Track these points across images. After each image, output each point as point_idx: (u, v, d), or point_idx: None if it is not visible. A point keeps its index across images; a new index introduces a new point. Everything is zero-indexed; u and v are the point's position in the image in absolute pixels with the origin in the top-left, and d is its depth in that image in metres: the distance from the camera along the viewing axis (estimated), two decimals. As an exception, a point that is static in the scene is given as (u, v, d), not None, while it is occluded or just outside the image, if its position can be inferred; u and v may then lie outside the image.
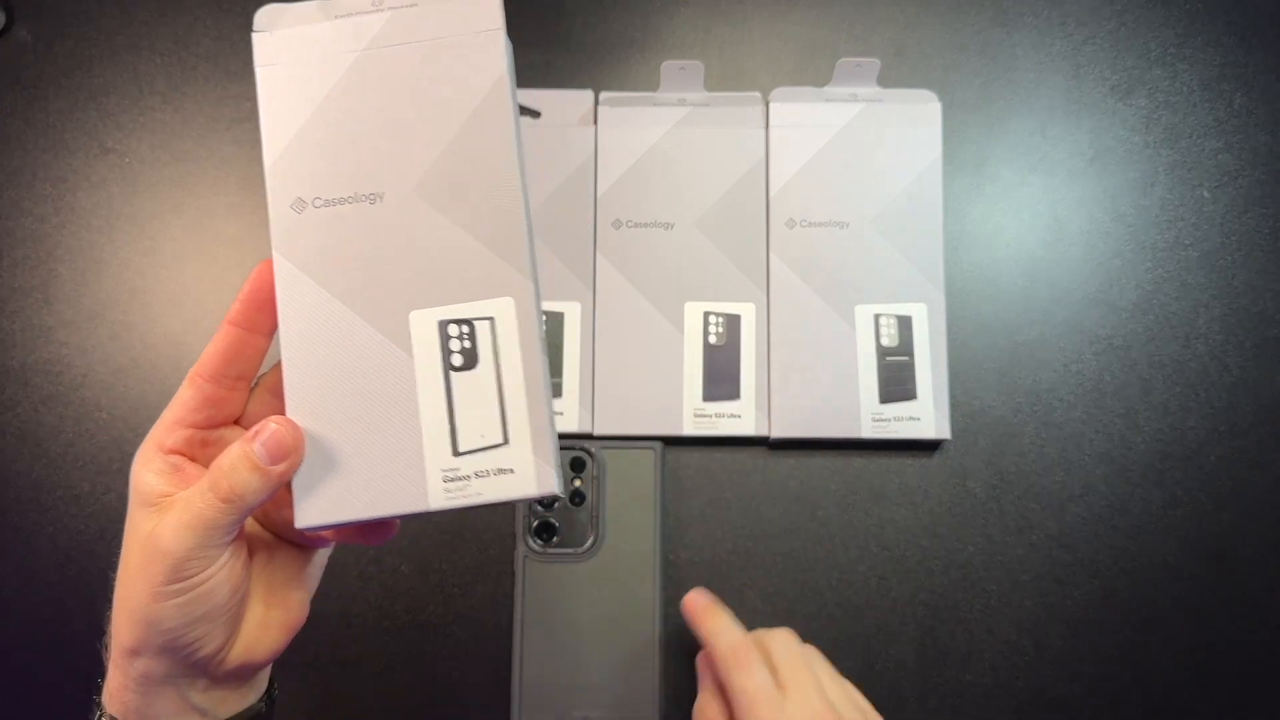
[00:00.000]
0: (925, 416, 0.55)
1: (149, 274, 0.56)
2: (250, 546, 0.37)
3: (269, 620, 0.38)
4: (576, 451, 0.54)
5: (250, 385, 0.37)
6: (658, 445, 0.54)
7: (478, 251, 0.36)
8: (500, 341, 0.35)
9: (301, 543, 0.39)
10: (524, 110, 0.58)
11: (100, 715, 0.37)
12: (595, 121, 0.57)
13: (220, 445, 0.36)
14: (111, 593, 0.36)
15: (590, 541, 0.53)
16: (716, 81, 0.59)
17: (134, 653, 0.35)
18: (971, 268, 0.57)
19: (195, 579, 0.34)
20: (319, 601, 0.55)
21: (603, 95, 0.57)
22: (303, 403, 0.35)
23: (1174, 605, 0.55)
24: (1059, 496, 0.56)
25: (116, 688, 0.36)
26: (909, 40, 0.59)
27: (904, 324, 0.55)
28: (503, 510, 0.55)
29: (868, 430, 0.54)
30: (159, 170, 0.57)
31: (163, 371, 0.56)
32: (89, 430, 0.55)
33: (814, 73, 0.59)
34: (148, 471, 0.35)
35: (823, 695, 0.44)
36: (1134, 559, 0.55)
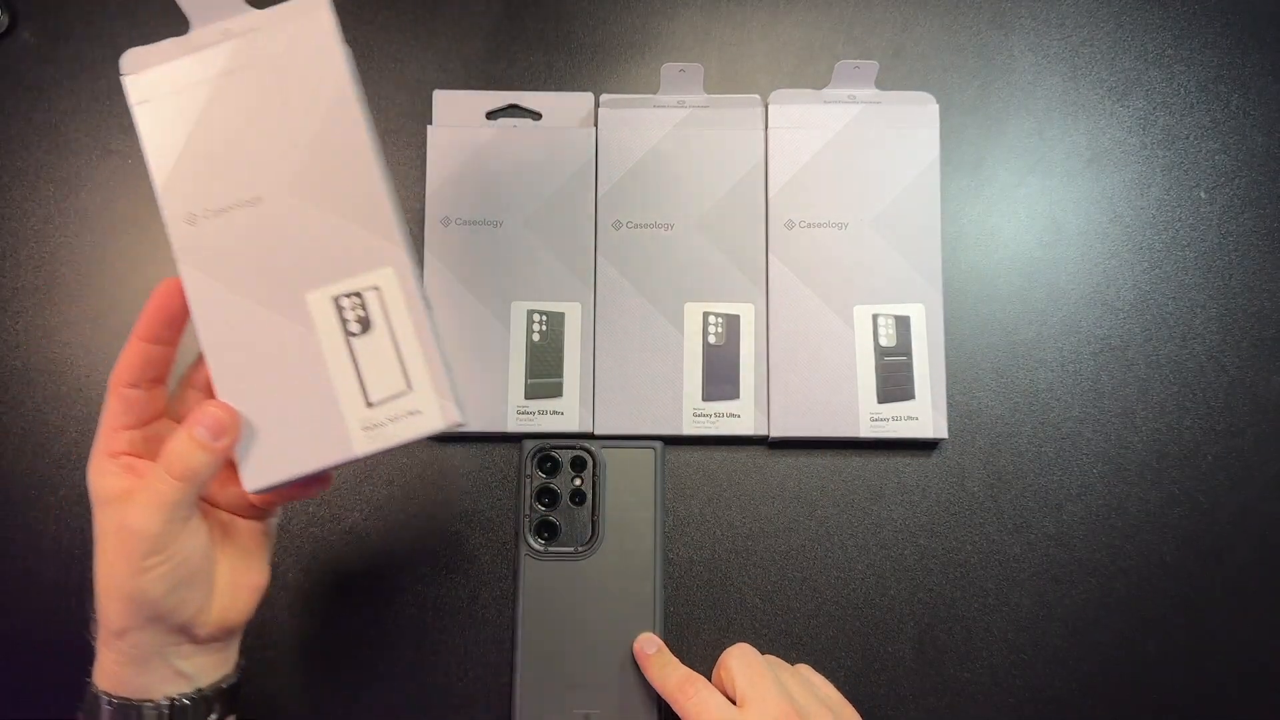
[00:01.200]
0: (923, 416, 0.55)
1: (152, 275, 0.57)
2: (210, 525, 0.42)
3: (237, 584, 0.43)
4: (576, 451, 0.54)
5: (166, 385, 0.43)
6: (658, 445, 0.54)
7: (353, 231, 0.41)
8: (388, 304, 0.41)
9: (251, 516, 0.44)
10: (525, 112, 0.58)
11: (91, 692, 0.41)
12: (595, 123, 0.57)
13: (159, 439, 0.41)
14: (93, 586, 0.40)
15: (590, 541, 0.53)
16: (716, 83, 0.59)
17: (122, 631, 0.39)
18: (969, 268, 0.58)
19: (169, 551, 0.39)
20: (319, 601, 0.56)
21: (603, 97, 0.58)
22: (229, 386, 0.40)
23: (1171, 604, 0.55)
24: (1056, 496, 0.56)
25: (109, 665, 0.40)
26: (907, 42, 0.60)
27: (902, 324, 0.55)
28: (503, 510, 0.55)
29: (866, 430, 0.55)
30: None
31: (165, 372, 0.56)
32: (92, 430, 0.55)
33: (812, 75, 0.59)
34: (102, 476, 0.40)
35: (784, 697, 0.46)
36: (1131, 558, 0.56)
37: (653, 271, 0.56)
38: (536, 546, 0.53)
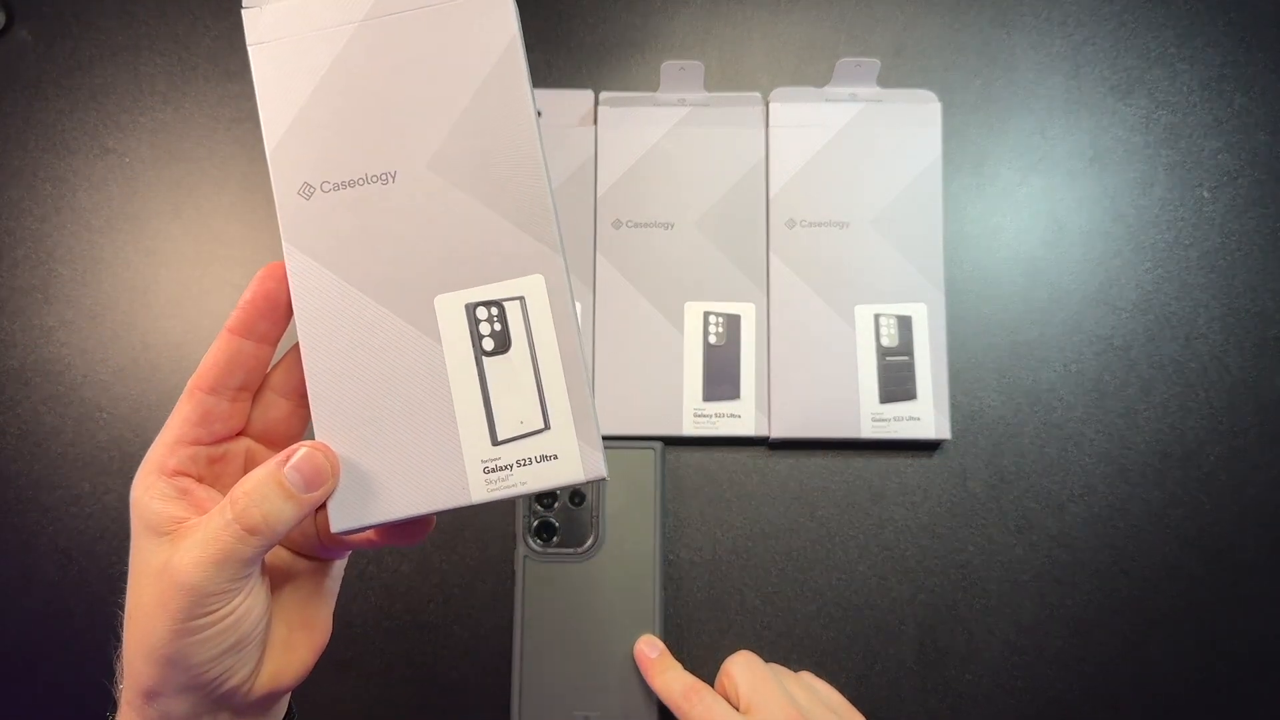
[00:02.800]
0: (925, 416, 0.55)
1: (149, 274, 0.56)
2: (268, 568, 0.35)
3: (293, 642, 0.36)
4: (576, 451, 0.54)
5: (252, 396, 0.35)
6: (658, 445, 0.54)
7: (502, 227, 0.34)
8: (533, 321, 0.34)
9: (321, 556, 0.37)
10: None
11: None
12: (595, 122, 0.57)
13: (227, 462, 0.34)
14: (119, 630, 0.33)
15: (590, 541, 0.53)
16: (716, 82, 0.59)
17: (153, 694, 0.32)
18: (971, 268, 0.57)
19: (220, 612, 0.31)
20: (319, 601, 0.55)
21: (603, 95, 0.57)
22: (329, 403, 0.33)
23: (1174, 605, 0.55)
24: (1059, 496, 0.56)
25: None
26: (908, 40, 0.59)
27: (904, 324, 0.55)
28: (502, 510, 0.55)
29: (868, 430, 0.54)
30: (159, 170, 0.57)
31: (163, 372, 0.56)
32: (89, 430, 0.55)
33: (814, 73, 0.59)
34: (152, 497, 0.32)
35: (788, 702, 0.46)
36: (1134, 559, 0.55)
37: (653, 271, 0.56)
38: (536, 547, 0.53)
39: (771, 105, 0.57)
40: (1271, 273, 0.58)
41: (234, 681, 0.33)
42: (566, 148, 0.57)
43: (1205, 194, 0.59)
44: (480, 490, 0.34)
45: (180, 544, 0.31)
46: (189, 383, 0.33)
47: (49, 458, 0.55)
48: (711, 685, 0.49)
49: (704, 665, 0.53)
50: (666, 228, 0.56)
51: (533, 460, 0.34)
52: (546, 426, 0.33)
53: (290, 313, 0.34)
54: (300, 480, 0.31)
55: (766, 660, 0.50)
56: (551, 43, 0.59)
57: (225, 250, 0.57)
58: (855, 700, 0.50)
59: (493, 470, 0.34)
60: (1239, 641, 0.55)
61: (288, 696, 0.37)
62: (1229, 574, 0.55)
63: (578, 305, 0.55)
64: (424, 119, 0.34)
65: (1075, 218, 0.58)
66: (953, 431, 0.56)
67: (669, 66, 0.56)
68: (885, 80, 0.58)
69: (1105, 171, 0.59)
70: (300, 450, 0.32)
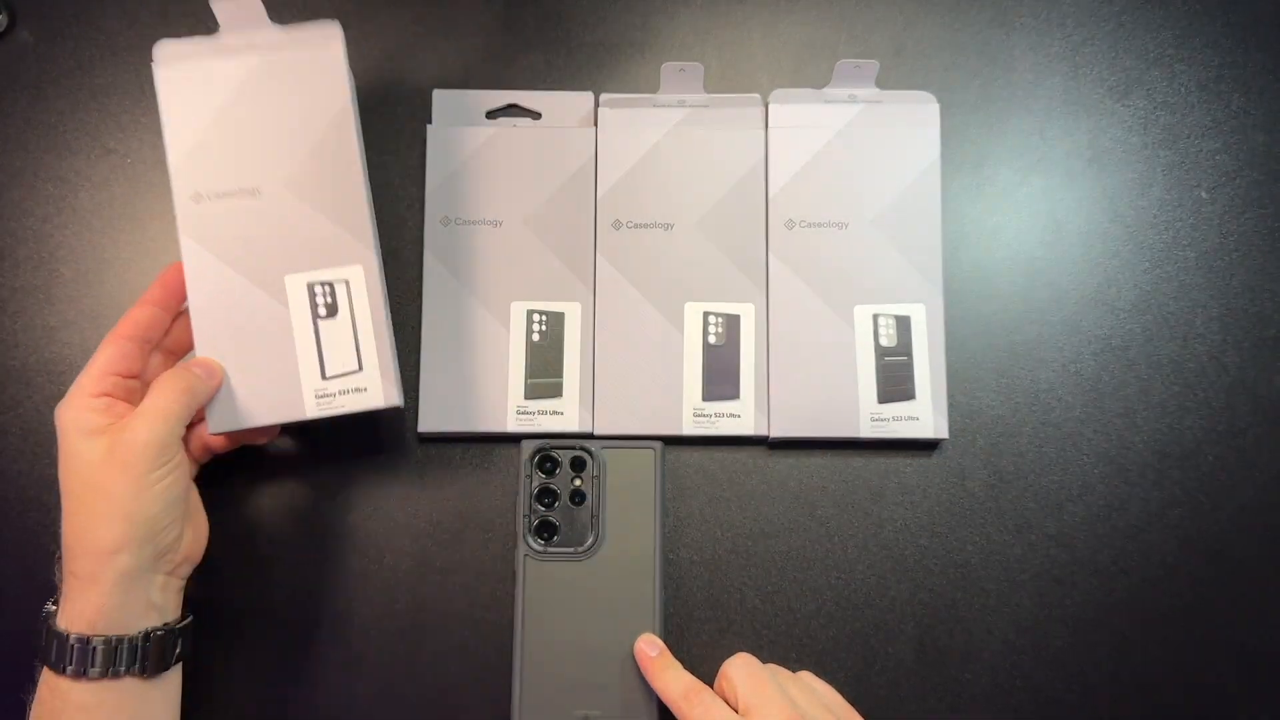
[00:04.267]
0: (924, 416, 0.55)
1: (151, 274, 0.56)
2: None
3: (197, 521, 0.49)
4: (576, 451, 0.54)
5: (152, 350, 0.48)
6: (658, 445, 0.54)
7: (334, 231, 0.49)
8: (355, 297, 0.49)
9: (195, 458, 0.50)
10: (524, 112, 0.58)
11: (65, 639, 0.43)
12: (595, 123, 0.57)
13: (136, 394, 0.47)
14: (57, 532, 0.44)
15: (590, 541, 0.53)
16: (716, 83, 0.59)
17: (115, 551, 0.43)
18: (970, 268, 0.58)
19: (170, 464, 0.45)
20: (320, 600, 0.56)
21: (603, 97, 0.57)
22: (209, 343, 0.48)
23: (1172, 604, 0.55)
24: (1057, 496, 0.56)
25: (89, 604, 0.43)
26: (908, 41, 0.60)
27: (902, 324, 0.55)
28: (503, 510, 0.55)
29: (866, 430, 0.55)
30: (161, 171, 0.57)
31: (164, 371, 0.56)
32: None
33: (813, 74, 0.59)
34: (85, 411, 0.44)
35: (787, 703, 0.46)
36: (1132, 558, 0.56)
37: (653, 271, 0.56)
38: (536, 547, 0.53)
39: (770, 106, 0.57)
40: (1269, 273, 0.58)
41: (174, 534, 0.46)
42: (567, 149, 0.57)
43: (1203, 194, 0.59)
44: (312, 409, 0.48)
45: (128, 426, 0.44)
46: (112, 333, 0.46)
47: (51, 458, 0.55)
48: (711, 686, 0.49)
49: (704, 665, 0.53)
50: (666, 228, 0.56)
51: (350, 390, 0.49)
52: (360, 368, 0.49)
53: (184, 296, 0.48)
54: (203, 372, 0.47)
55: (766, 659, 0.50)
56: (551, 44, 0.59)
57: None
58: (854, 699, 0.50)
59: (322, 396, 0.48)
60: (1238, 641, 0.55)
61: (183, 587, 0.49)
62: (1227, 573, 0.56)
63: (578, 306, 0.55)
64: (282, 152, 0.49)
65: (1074, 218, 0.58)
66: (951, 431, 0.56)
67: (669, 68, 0.56)
68: (884, 81, 0.58)
69: (1104, 172, 0.59)
70: (197, 358, 0.48)
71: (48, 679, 0.45)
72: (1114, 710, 0.55)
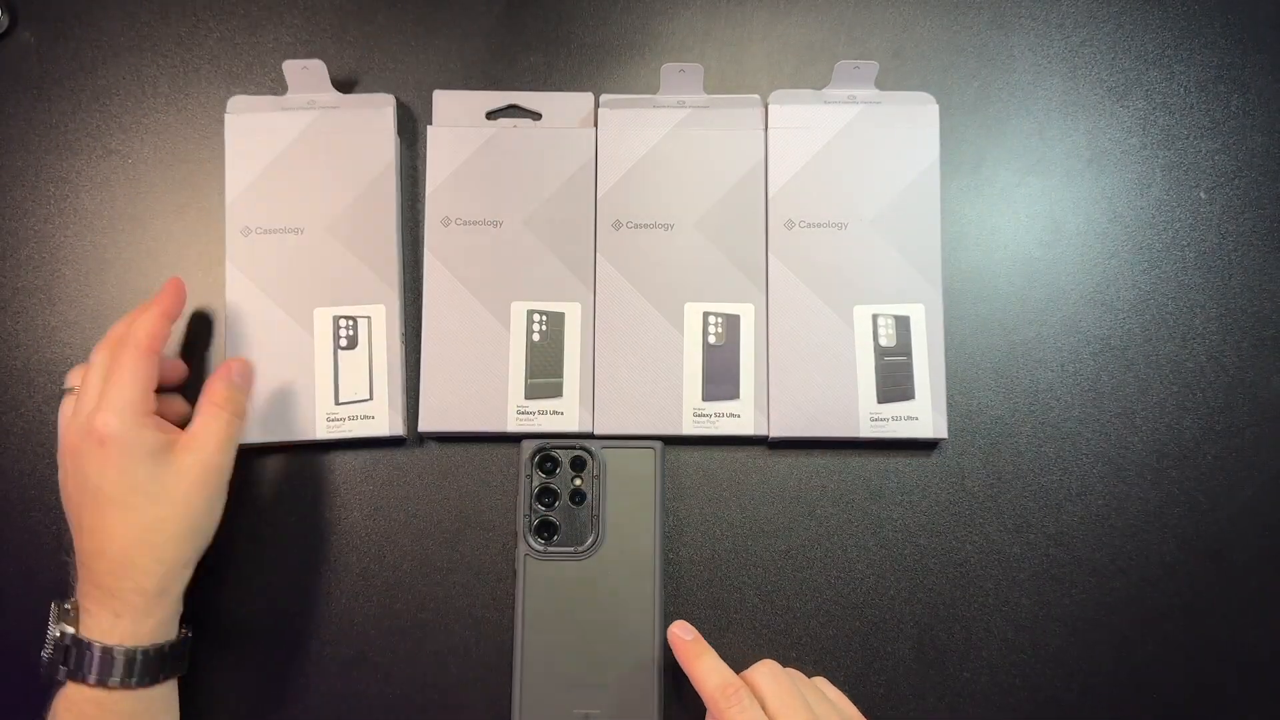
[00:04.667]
0: (923, 416, 0.55)
1: (152, 275, 0.57)
2: None
3: None
4: (576, 451, 0.54)
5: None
6: (658, 445, 0.54)
7: (364, 273, 0.55)
8: (374, 332, 0.54)
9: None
10: (525, 112, 0.58)
11: (111, 654, 0.45)
12: (595, 124, 0.57)
13: (166, 404, 0.52)
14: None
15: (590, 541, 0.53)
16: (715, 83, 0.59)
17: (185, 566, 0.47)
18: (969, 268, 0.58)
19: (229, 477, 0.49)
20: (319, 599, 0.56)
21: (603, 97, 0.58)
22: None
23: (1171, 604, 0.55)
24: (1056, 496, 0.56)
25: (148, 620, 0.46)
26: (906, 42, 0.60)
27: (902, 324, 0.55)
28: (503, 510, 0.55)
29: (865, 430, 0.55)
30: (162, 172, 0.57)
31: (165, 372, 0.56)
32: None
33: (812, 75, 0.59)
34: (146, 430, 0.46)
35: (811, 718, 0.46)
36: (1131, 558, 0.56)
37: (653, 271, 0.56)
38: (536, 546, 0.53)
39: (770, 107, 0.57)
40: (1268, 273, 0.58)
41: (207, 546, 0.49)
42: (566, 149, 0.57)
43: (1202, 195, 0.59)
44: (323, 431, 0.54)
45: (191, 447, 0.47)
46: (140, 346, 0.47)
47: (52, 458, 0.55)
48: None
49: (703, 664, 0.53)
50: (666, 229, 0.56)
51: (359, 417, 0.54)
52: (370, 398, 0.54)
53: (182, 308, 0.51)
54: (239, 378, 0.51)
55: (766, 659, 0.50)
56: (551, 45, 0.59)
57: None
58: (854, 699, 0.50)
59: (333, 420, 0.54)
60: (1236, 640, 0.55)
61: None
62: (1226, 573, 0.56)
63: (578, 306, 0.55)
64: (327, 199, 0.55)
65: (1072, 218, 0.58)
66: (950, 431, 0.56)
67: (669, 69, 0.56)
68: (883, 82, 0.58)
69: (1102, 172, 0.59)
70: (229, 363, 0.51)
71: (80, 691, 0.45)
72: (1113, 709, 0.55)
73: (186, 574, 0.48)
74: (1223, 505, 0.56)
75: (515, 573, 0.53)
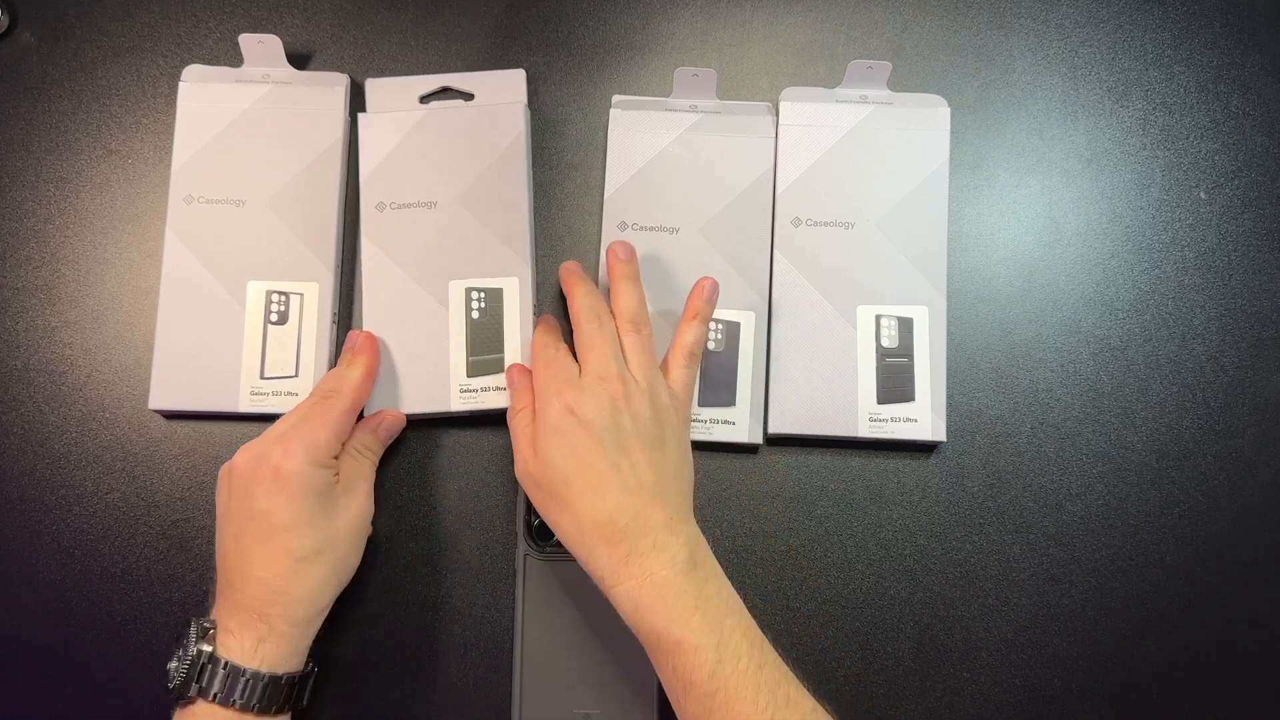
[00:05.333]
0: (922, 418, 0.55)
1: (152, 275, 0.56)
2: None
3: None
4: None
5: None
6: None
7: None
8: (305, 310, 0.54)
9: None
10: (459, 94, 0.58)
11: (257, 679, 0.45)
12: (606, 125, 0.57)
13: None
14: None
15: (591, 541, 0.53)
16: (717, 86, 0.59)
17: (331, 600, 0.49)
18: (969, 268, 0.58)
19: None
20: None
21: (615, 99, 0.57)
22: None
23: (1170, 604, 0.55)
24: (1056, 496, 0.56)
25: (288, 648, 0.47)
26: (906, 42, 0.60)
27: (905, 326, 0.55)
28: (503, 510, 0.55)
29: (864, 430, 0.55)
30: (162, 172, 0.57)
31: (165, 372, 0.56)
32: (92, 430, 0.55)
33: (812, 76, 0.59)
34: (323, 471, 0.48)
35: (618, 359, 0.49)
36: (1130, 558, 0.56)
37: (656, 275, 0.56)
38: (537, 546, 0.53)
39: (782, 104, 0.57)
40: (1268, 273, 0.58)
41: None
42: (496, 128, 0.56)
43: (1202, 195, 0.59)
44: (245, 403, 0.54)
45: (349, 489, 0.50)
46: (348, 404, 0.50)
47: (52, 457, 0.55)
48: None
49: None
50: (671, 233, 0.56)
51: (282, 394, 0.54)
52: (296, 374, 0.54)
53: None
54: (386, 435, 0.54)
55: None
56: (552, 46, 0.59)
57: (227, 251, 0.57)
58: (854, 699, 0.51)
59: (256, 394, 0.54)
60: (1236, 641, 0.55)
61: None
62: (1225, 573, 0.56)
63: (514, 281, 0.55)
64: (272, 172, 0.55)
65: (1072, 219, 0.58)
66: (949, 432, 0.56)
67: (682, 72, 0.56)
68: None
69: (1102, 172, 0.59)
70: (386, 415, 0.53)
71: (212, 711, 0.45)
72: (1111, 708, 0.55)
73: (327, 609, 0.49)
74: (1223, 505, 0.56)
75: (515, 573, 0.53)
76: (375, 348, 0.52)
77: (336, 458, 0.49)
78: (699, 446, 0.56)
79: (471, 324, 0.54)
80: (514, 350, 0.54)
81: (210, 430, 0.55)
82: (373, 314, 0.54)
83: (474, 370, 0.54)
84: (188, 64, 0.57)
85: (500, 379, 0.54)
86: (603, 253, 0.56)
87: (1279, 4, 0.60)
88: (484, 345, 0.54)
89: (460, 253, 0.55)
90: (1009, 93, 0.59)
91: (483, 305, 0.54)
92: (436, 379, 0.54)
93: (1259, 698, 0.55)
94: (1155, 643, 0.55)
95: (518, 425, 0.49)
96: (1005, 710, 0.55)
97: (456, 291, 0.54)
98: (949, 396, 0.56)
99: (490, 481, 0.56)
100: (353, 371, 0.51)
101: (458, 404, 0.54)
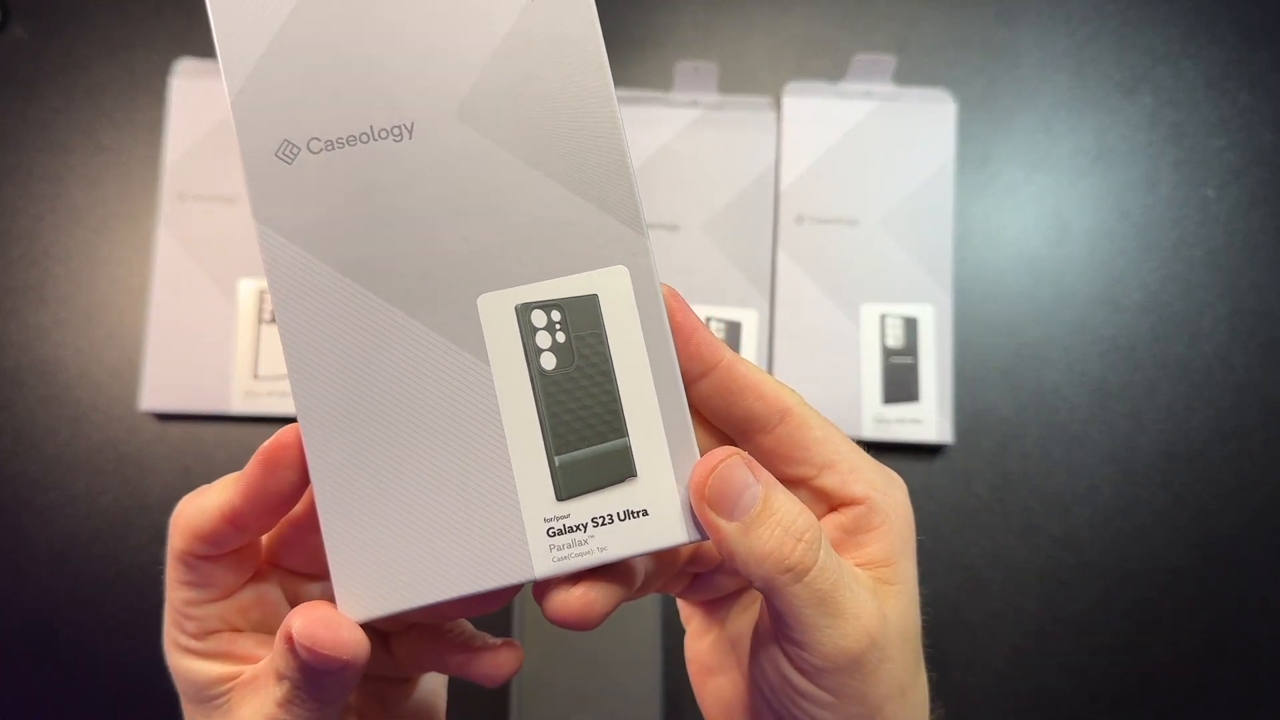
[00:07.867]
0: (928, 420, 0.54)
1: (144, 274, 0.56)
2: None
3: None
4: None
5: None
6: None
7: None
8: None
9: (396, 674, 0.30)
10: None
11: None
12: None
13: (265, 602, 0.29)
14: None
15: (591, 543, 0.52)
16: (719, 78, 0.58)
17: None
18: (975, 266, 0.57)
19: None
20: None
21: (617, 93, 0.57)
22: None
23: (1179, 607, 0.55)
24: (1063, 498, 0.55)
25: None
26: (913, 37, 0.59)
27: (910, 325, 0.55)
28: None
29: (869, 431, 0.54)
30: (154, 169, 0.57)
31: (159, 372, 0.55)
32: (84, 431, 0.55)
33: (816, 71, 0.58)
34: (189, 659, 0.28)
35: None
36: (1139, 560, 0.55)
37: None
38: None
39: (785, 100, 0.56)
40: (1277, 271, 0.57)
41: None
42: None
43: (1210, 192, 0.58)
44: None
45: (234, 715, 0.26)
46: (175, 551, 0.27)
47: (44, 458, 0.55)
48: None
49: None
50: (672, 229, 0.56)
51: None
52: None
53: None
54: (308, 656, 0.24)
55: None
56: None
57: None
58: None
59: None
60: (1245, 644, 0.55)
61: None
62: (1235, 576, 0.55)
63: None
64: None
65: (1080, 216, 0.58)
66: (956, 433, 0.55)
67: (683, 67, 0.55)
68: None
69: (1110, 170, 0.58)
70: (294, 622, 0.24)
71: None
72: (1119, 713, 0.54)
73: None
74: (1232, 507, 0.56)
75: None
76: (282, 459, 0.24)
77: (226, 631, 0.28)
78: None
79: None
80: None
81: (203, 431, 0.55)
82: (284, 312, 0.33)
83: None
84: (180, 59, 0.57)
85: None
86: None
87: (1289, -1, 0.60)
88: None
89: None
90: (1015, 88, 0.59)
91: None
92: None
93: (1272, 703, 0.54)
94: (1164, 646, 0.55)
95: None
96: (1011, 714, 0.54)
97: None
98: (956, 397, 0.55)
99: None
100: (203, 499, 0.25)
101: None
